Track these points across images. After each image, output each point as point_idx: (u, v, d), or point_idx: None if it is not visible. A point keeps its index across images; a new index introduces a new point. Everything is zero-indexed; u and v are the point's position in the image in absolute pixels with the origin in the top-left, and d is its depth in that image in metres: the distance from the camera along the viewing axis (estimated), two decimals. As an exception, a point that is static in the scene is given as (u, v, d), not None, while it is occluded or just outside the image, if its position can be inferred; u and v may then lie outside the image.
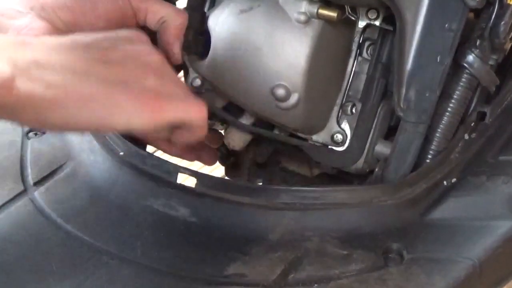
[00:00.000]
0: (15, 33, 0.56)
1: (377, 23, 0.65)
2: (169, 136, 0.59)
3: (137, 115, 0.51)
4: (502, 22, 0.63)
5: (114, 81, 0.50)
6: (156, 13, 0.64)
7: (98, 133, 0.65)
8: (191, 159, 0.72)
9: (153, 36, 0.64)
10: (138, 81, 0.52)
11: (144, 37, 0.56)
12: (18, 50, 0.48)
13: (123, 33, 0.56)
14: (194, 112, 0.55)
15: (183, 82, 0.59)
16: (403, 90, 0.62)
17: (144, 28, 0.64)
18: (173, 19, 0.64)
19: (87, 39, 0.53)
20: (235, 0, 0.65)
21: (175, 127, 0.56)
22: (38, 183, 0.64)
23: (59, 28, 0.58)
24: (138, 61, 0.54)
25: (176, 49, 0.65)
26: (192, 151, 0.70)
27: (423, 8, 0.60)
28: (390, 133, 0.68)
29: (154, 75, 0.53)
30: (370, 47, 0.68)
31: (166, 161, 0.63)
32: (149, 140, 0.68)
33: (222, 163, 0.80)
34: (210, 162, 0.75)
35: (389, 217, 0.60)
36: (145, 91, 0.52)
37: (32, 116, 0.47)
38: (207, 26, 0.67)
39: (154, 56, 0.55)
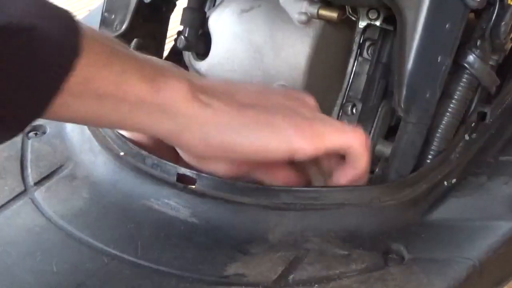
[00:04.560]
0: None
1: (377, 23, 0.65)
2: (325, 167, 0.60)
3: (298, 140, 0.53)
4: (503, 23, 0.63)
5: (274, 110, 0.54)
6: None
7: (259, 158, 0.57)
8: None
9: None
10: (296, 110, 0.55)
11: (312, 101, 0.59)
12: (192, 78, 0.53)
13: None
14: (353, 138, 0.56)
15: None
16: (403, 90, 0.62)
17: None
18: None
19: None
20: (235, 0, 0.65)
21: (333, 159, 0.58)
22: (38, 183, 0.64)
23: None
24: (293, 97, 0.58)
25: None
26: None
27: (423, 8, 0.60)
28: (390, 133, 0.68)
29: (309, 109, 0.57)
30: (371, 47, 0.68)
31: (166, 161, 0.63)
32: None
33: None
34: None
35: (390, 217, 0.60)
36: (304, 119, 0.54)
37: (197, 132, 0.52)
38: (207, 26, 0.67)
39: (307, 98, 0.59)
